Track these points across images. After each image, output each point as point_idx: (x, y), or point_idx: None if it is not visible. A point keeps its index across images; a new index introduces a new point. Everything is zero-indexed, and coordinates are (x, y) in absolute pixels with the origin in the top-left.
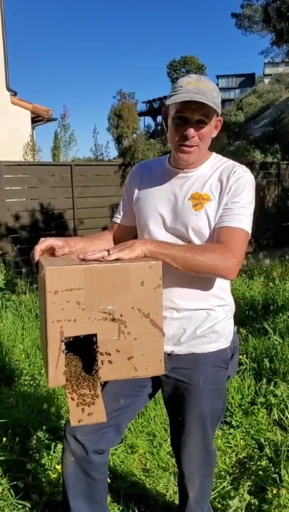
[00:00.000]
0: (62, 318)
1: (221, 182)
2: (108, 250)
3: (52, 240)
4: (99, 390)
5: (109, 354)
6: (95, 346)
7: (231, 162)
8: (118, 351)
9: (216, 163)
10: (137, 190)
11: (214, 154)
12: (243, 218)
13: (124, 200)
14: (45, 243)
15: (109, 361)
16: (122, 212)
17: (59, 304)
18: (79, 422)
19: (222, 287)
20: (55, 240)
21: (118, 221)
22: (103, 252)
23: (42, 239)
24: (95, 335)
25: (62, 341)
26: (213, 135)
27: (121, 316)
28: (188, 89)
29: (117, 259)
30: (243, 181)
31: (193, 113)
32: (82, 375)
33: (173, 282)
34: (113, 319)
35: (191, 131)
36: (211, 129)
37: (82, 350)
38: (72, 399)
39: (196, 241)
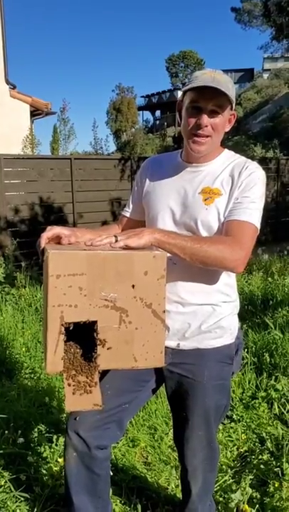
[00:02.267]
0: (64, 303)
1: (232, 177)
2: (116, 236)
3: (59, 228)
4: (97, 378)
5: (109, 342)
6: (95, 333)
7: (243, 158)
8: (118, 340)
9: (228, 158)
10: (147, 185)
11: (226, 150)
12: (252, 213)
13: (134, 194)
14: (52, 231)
15: (108, 349)
16: (131, 206)
17: (61, 289)
18: (74, 407)
19: (228, 283)
20: (62, 229)
21: (127, 215)
22: (111, 238)
23: (49, 227)
24: (96, 322)
25: (62, 326)
26: (227, 129)
27: (123, 304)
28: (203, 78)
29: (123, 247)
30: (255, 177)
31: (207, 102)
32: (81, 362)
33: (179, 276)
34: (115, 307)
35: (205, 119)
36: (225, 122)
37: (82, 337)
38: (69, 385)
39: (205, 235)
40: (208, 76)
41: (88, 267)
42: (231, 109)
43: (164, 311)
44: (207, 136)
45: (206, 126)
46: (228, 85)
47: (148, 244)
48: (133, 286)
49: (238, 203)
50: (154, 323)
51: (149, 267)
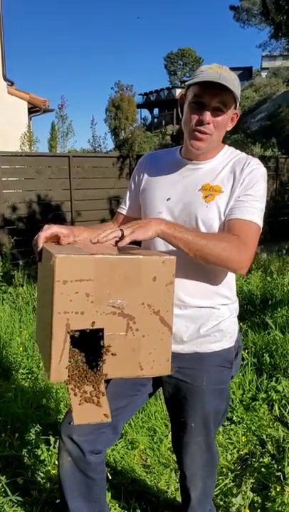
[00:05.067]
0: (70, 309)
1: (233, 174)
2: (122, 230)
3: (57, 227)
4: (103, 388)
5: (116, 350)
6: (101, 341)
7: (244, 154)
8: (125, 348)
9: (229, 155)
10: (143, 181)
11: (227, 146)
12: (255, 212)
13: (131, 191)
14: (50, 230)
15: (114, 358)
16: (127, 203)
17: (67, 295)
18: (83, 420)
19: (228, 286)
20: (60, 228)
21: (123, 212)
22: (117, 232)
23: (46, 226)
24: (102, 329)
25: (67, 334)
26: (228, 128)
27: (130, 311)
28: (209, 73)
29: (129, 248)
30: (257, 174)
31: (211, 98)
32: (86, 370)
33: (178, 278)
34: (122, 314)
35: (208, 115)
36: (227, 120)
37: (88, 344)
38: (75, 395)
39: None
40: (214, 71)
41: (96, 273)
42: (235, 107)
43: (172, 318)
44: (208, 134)
45: (208, 123)
46: (234, 83)
47: (154, 236)
48: (141, 292)
49: (241, 201)
50: (161, 331)
51: (158, 272)
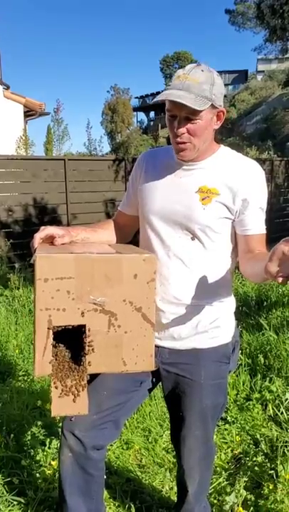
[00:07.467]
0: (51, 306)
1: (232, 178)
2: None
3: (52, 228)
4: (85, 382)
5: (98, 346)
6: (84, 337)
7: (240, 157)
8: (107, 344)
9: (226, 156)
10: (141, 181)
11: (222, 147)
12: (263, 220)
13: (129, 189)
14: (44, 231)
15: (97, 353)
16: (126, 201)
17: (48, 292)
18: (60, 412)
19: (224, 283)
20: (56, 229)
21: (122, 210)
22: None
23: (42, 227)
24: (84, 326)
25: (49, 330)
26: (216, 126)
27: (112, 308)
28: (174, 84)
29: (122, 247)
30: (259, 179)
31: (180, 110)
32: (70, 365)
33: (175, 276)
34: (104, 311)
35: (181, 127)
36: (205, 123)
37: (72, 340)
38: (56, 388)
39: (202, 236)
40: (178, 81)
41: (76, 271)
42: (214, 107)
43: (154, 315)
44: (186, 143)
45: (183, 133)
46: (201, 87)
47: None
48: (122, 289)
49: (252, 212)
50: (143, 327)
51: (139, 270)
